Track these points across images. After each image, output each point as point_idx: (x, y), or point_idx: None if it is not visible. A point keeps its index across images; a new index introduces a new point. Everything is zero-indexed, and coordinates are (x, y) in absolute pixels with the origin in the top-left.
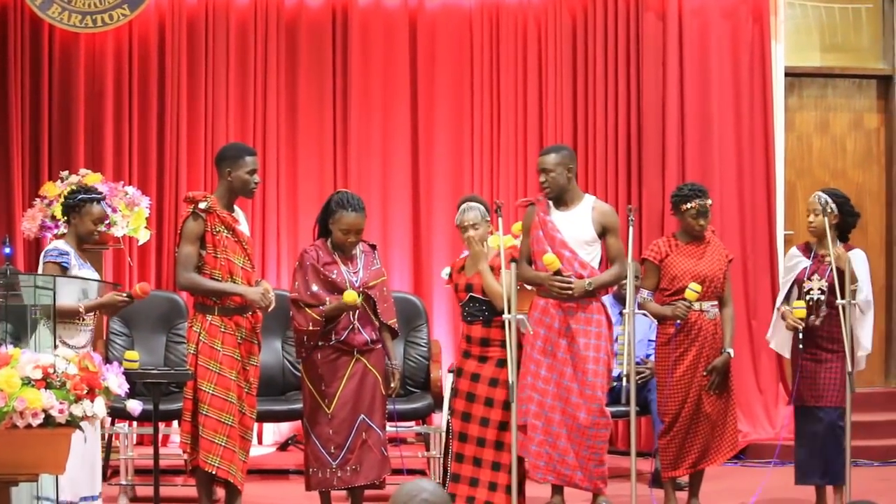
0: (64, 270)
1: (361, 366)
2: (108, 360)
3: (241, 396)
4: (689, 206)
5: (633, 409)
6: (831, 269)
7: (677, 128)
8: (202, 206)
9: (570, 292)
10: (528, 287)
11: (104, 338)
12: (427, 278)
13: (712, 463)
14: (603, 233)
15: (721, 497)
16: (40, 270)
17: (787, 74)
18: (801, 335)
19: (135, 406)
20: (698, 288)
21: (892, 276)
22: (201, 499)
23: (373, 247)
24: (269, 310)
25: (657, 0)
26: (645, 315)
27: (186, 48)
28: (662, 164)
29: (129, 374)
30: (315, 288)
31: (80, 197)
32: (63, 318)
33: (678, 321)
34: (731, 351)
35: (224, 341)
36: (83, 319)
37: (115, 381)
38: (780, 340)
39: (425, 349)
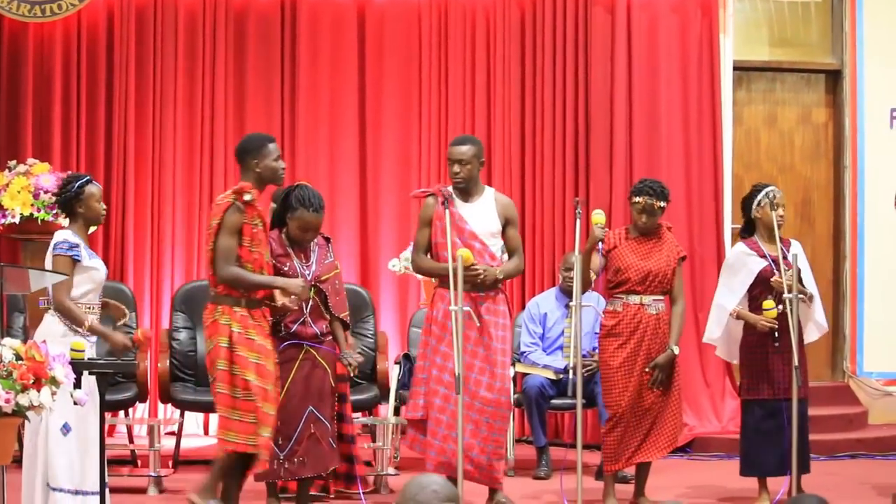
0: (75, 263)
1: (311, 358)
2: None
3: (274, 384)
4: (637, 199)
5: (579, 401)
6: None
7: (625, 121)
8: (247, 198)
9: (483, 278)
10: (420, 277)
11: None
12: (374, 270)
13: (648, 457)
14: (505, 224)
15: (667, 490)
16: (49, 262)
17: (735, 68)
18: (776, 334)
19: (81, 396)
20: (602, 218)
21: (839, 271)
22: (226, 489)
23: (327, 240)
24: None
25: None
26: (591, 307)
27: (135, 38)
28: (610, 157)
29: (75, 364)
30: None
31: (76, 185)
32: (67, 319)
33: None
34: (675, 349)
35: (257, 332)
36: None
37: (62, 371)
38: (730, 348)
39: (372, 341)
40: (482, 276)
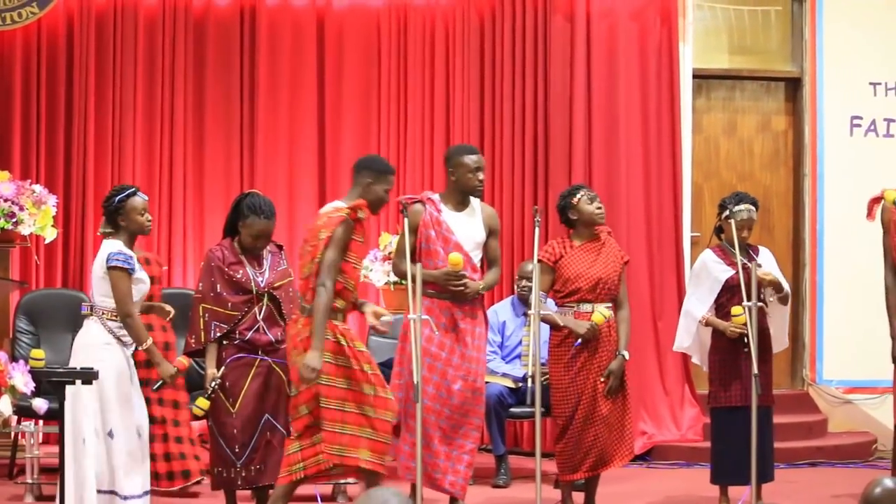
0: (130, 275)
1: (266, 366)
2: (14, 359)
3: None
4: (580, 195)
5: (538, 409)
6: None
7: (584, 129)
8: (360, 215)
9: (466, 292)
10: (379, 285)
11: (10, 336)
12: None
13: (610, 466)
14: (489, 235)
15: (626, 499)
16: (102, 273)
17: (694, 76)
18: (746, 339)
19: (41, 404)
20: (608, 313)
21: (798, 279)
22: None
23: (280, 247)
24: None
25: (565, 2)
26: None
27: (95, 46)
28: (569, 165)
29: (35, 373)
30: (219, 288)
31: (118, 197)
32: (130, 333)
33: (579, 340)
34: (625, 353)
35: (357, 342)
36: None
37: (21, 380)
38: (702, 355)
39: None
40: (466, 290)
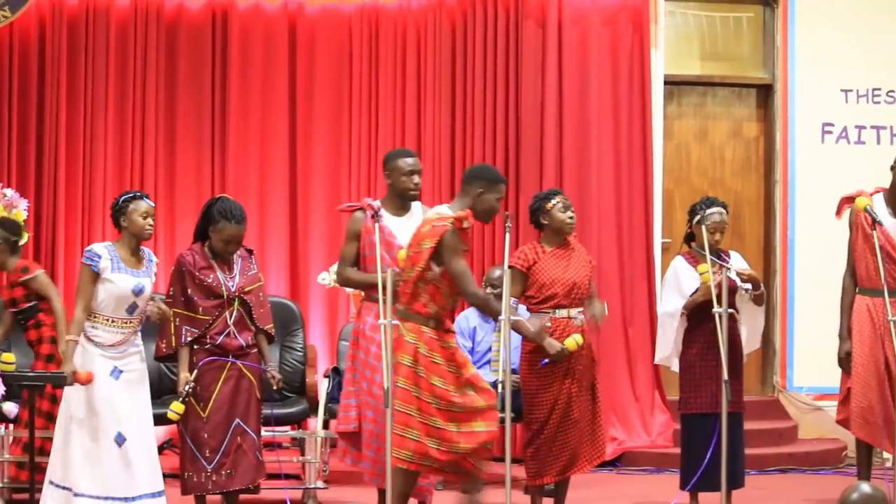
0: (93, 273)
1: (237, 370)
2: None
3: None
4: (555, 201)
5: (507, 415)
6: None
7: (555, 135)
8: (465, 225)
9: None
10: (349, 290)
11: None
12: (304, 283)
13: (580, 470)
14: None
15: None
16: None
17: (666, 82)
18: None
19: (11, 408)
20: (581, 340)
21: (769, 285)
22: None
23: (250, 252)
24: None
25: (537, 7)
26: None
27: (67, 50)
28: (540, 171)
29: (5, 377)
30: (190, 293)
31: (122, 199)
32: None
33: (546, 360)
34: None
35: (442, 354)
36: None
37: None
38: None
39: (301, 354)
40: None
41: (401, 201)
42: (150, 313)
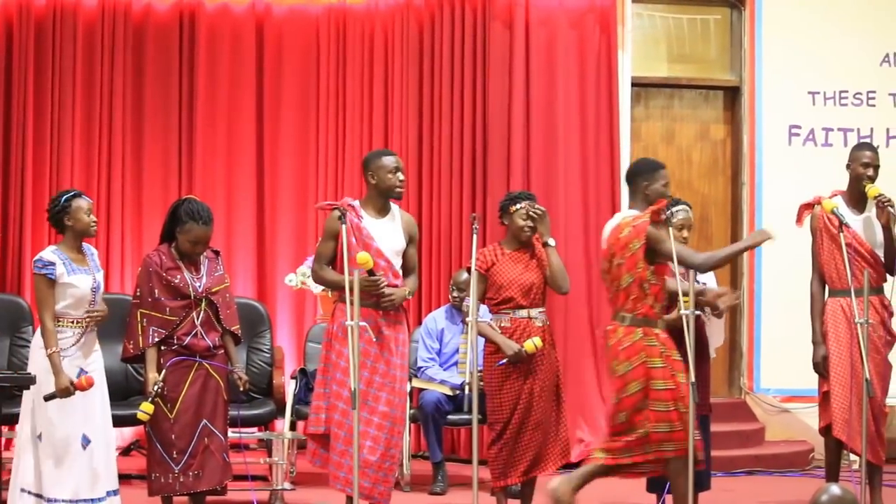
0: (50, 281)
1: (204, 371)
2: None
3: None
4: (519, 207)
5: (475, 416)
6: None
7: (523, 136)
8: (663, 216)
9: (392, 300)
10: (317, 291)
11: None
12: (271, 284)
13: (545, 471)
14: (408, 242)
15: None
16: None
17: (633, 84)
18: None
19: None
20: (539, 343)
21: (736, 287)
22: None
23: (216, 253)
24: None
25: (504, 9)
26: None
27: (34, 50)
28: (507, 172)
29: None
30: (157, 294)
31: (64, 199)
32: (42, 338)
33: (503, 360)
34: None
35: (649, 354)
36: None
37: None
38: None
39: (268, 355)
40: (392, 299)
41: (383, 201)
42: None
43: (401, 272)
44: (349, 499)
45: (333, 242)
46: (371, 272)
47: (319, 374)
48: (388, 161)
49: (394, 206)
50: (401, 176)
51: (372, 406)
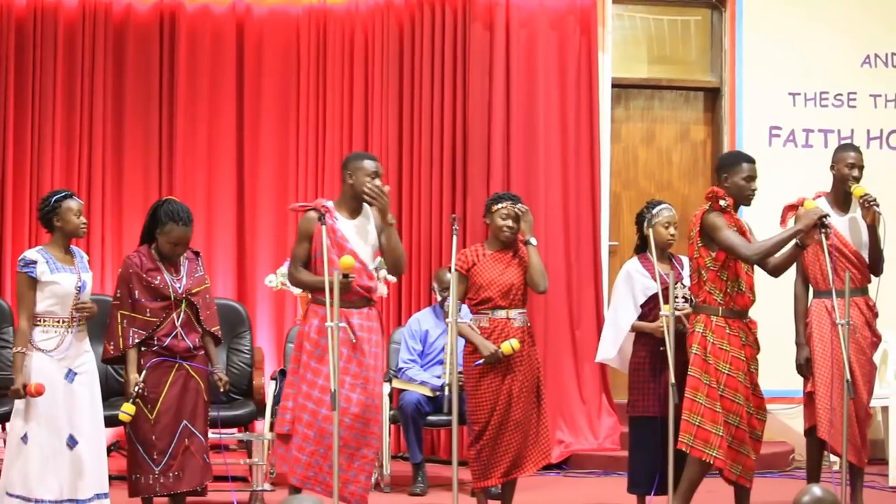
0: (31, 280)
1: (184, 372)
2: None
3: (747, 397)
4: (500, 206)
5: (455, 417)
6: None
7: (503, 137)
8: (722, 203)
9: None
10: (297, 292)
11: None
12: (251, 285)
13: (524, 472)
14: (380, 234)
15: None
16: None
17: (613, 85)
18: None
19: None
20: (517, 346)
21: None
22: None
23: (196, 254)
24: None
25: (484, 10)
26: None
27: (14, 51)
28: (488, 173)
29: None
30: (137, 295)
31: (54, 199)
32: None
33: (480, 361)
34: (533, 240)
35: (731, 342)
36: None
37: None
38: (622, 361)
39: (248, 356)
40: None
41: (357, 203)
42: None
43: (375, 273)
44: (293, 488)
45: (308, 244)
46: (346, 276)
47: (289, 375)
48: (369, 165)
49: (365, 206)
50: (378, 182)
51: (343, 407)
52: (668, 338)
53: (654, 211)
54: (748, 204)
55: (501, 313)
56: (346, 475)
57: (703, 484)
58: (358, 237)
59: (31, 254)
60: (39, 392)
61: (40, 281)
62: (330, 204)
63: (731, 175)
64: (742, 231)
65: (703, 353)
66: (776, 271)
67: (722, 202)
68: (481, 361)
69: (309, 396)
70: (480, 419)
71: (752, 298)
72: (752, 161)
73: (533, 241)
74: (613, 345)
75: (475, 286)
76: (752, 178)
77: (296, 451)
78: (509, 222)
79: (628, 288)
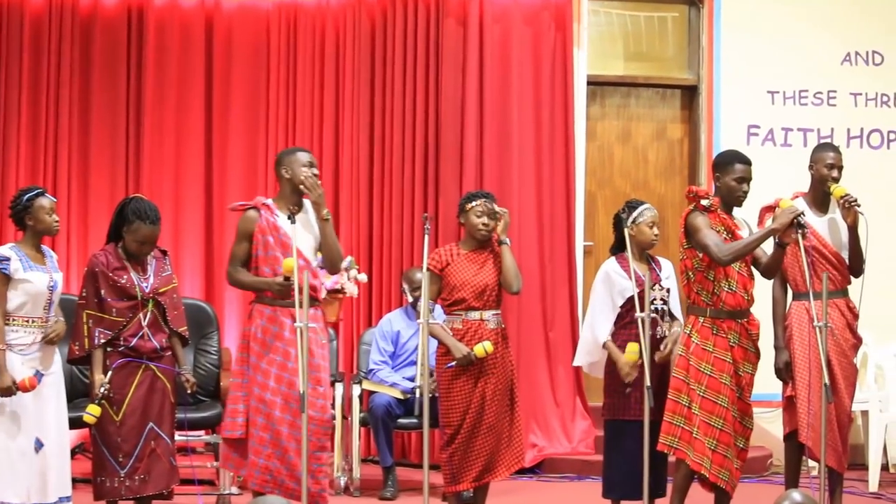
0: (4, 276)
1: (150, 373)
2: None
3: (733, 401)
4: (475, 204)
5: (426, 420)
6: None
7: (476, 135)
8: (704, 202)
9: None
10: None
11: None
12: (219, 285)
13: (497, 476)
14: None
15: None
16: None
17: (589, 83)
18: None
19: None
20: (490, 349)
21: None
22: (675, 493)
23: (164, 252)
24: None
25: (458, 5)
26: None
27: None
28: (460, 171)
29: None
30: (103, 294)
31: (26, 197)
32: None
33: (452, 363)
34: (507, 240)
35: (716, 343)
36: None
37: None
38: (598, 364)
39: (216, 357)
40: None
41: (297, 198)
42: None
43: (319, 271)
44: (255, 493)
45: (247, 244)
46: (287, 278)
47: (235, 377)
48: (303, 156)
49: (305, 201)
50: (316, 171)
51: (295, 409)
52: (643, 340)
53: (638, 211)
54: (739, 205)
55: (475, 314)
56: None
57: None
58: (300, 234)
59: (4, 250)
60: (33, 385)
61: (13, 278)
62: (269, 202)
63: (724, 175)
64: (731, 230)
65: (687, 353)
66: (767, 273)
67: (704, 201)
68: (454, 363)
69: (261, 399)
70: (453, 422)
71: (747, 298)
72: (747, 162)
73: (506, 240)
74: (588, 355)
75: (449, 287)
76: (744, 179)
77: (253, 456)
78: (485, 220)
79: (607, 291)
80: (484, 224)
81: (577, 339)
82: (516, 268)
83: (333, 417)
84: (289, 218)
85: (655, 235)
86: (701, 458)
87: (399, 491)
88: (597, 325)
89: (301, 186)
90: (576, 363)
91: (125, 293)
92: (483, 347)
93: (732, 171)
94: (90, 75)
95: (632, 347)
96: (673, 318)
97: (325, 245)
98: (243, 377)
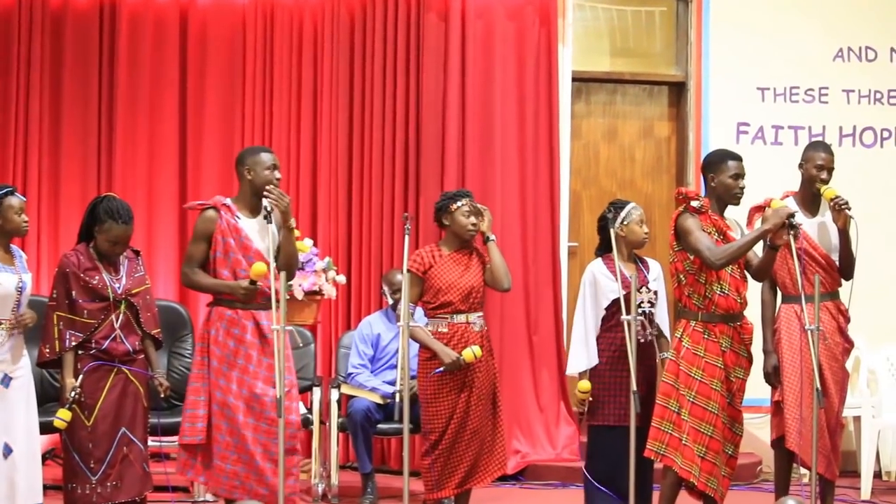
0: None
1: (123, 377)
2: None
3: (723, 407)
4: (461, 203)
5: (406, 426)
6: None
7: (458, 133)
8: (694, 204)
9: (282, 201)
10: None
11: None
12: None
13: (479, 483)
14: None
15: None
16: None
17: (574, 79)
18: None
19: None
20: (479, 353)
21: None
22: (662, 501)
23: (137, 253)
24: None
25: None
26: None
27: None
28: (441, 170)
29: None
30: (74, 295)
31: None
32: None
33: (441, 368)
34: (493, 237)
35: (708, 348)
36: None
37: None
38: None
39: (190, 360)
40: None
41: (257, 200)
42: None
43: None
44: (228, 501)
45: (205, 244)
46: (253, 282)
47: (195, 381)
48: (266, 158)
49: (265, 201)
50: (278, 174)
51: (258, 411)
52: (629, 344)
53: (626, 210)
54: (737, 203)
55: (461, 318)
56: (275, 480)
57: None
58: (260, 236)
59: None
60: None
61: None
62: (229, 201)
63: (718, 174)
64: (722, 231)
65: (678, 358)
66: (758, 275)
67: (694, 203)
68: (441, 369)
69: (224, 403)
70: (437, 428)
71: (739, 301)
72: (738, 158)
73: (492, 236)
74: (585, 359)
75: (433, 289)
76: (739, 175)
77: (219, 461)
78: (473, 219)
79: (591, 296)
80: (473, 224)
81: (562, 343)
82: (505, 265)
83: (309, 422)
84: (265, 218)
85: (646, 233)
86: (690, 466)
87: (378, 498)
88: (590, 333)
89: (265, 195)
90: (570, 371)
91: (97, 294)
92: (472, 352)
93: (726, 168)
94: (61, 71)
95: (583, 386)
96: (661, 334)
97: (287, 253)
98: (203, 381)
